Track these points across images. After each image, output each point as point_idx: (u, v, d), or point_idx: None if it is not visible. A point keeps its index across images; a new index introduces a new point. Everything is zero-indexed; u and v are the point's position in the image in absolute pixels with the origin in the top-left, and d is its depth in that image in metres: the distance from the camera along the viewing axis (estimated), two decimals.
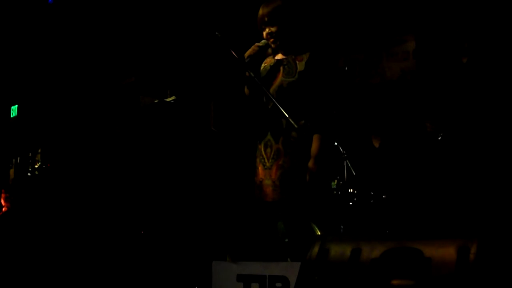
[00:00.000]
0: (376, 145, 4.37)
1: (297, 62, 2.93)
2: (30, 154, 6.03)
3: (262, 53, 2.95)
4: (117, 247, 4.21)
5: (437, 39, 4.44)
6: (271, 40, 2.93)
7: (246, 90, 3.02)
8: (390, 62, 5.20)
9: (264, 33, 2.95)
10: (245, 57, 2.90)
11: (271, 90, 2.91)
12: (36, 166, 5.76)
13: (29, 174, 5.82)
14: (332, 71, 3.04)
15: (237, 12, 5.20)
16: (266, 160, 2.94)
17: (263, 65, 3.03)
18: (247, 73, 2.89)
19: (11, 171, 6.43)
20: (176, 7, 5.69)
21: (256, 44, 2.94)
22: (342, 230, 3.93)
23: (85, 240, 4.37)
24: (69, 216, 4.66)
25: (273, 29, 2.91)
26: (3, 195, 5.96)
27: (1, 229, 5.17)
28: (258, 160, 3.00)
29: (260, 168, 2.97)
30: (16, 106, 7.42)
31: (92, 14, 6.17)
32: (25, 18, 6.54)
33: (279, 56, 3.02)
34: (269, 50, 3.02)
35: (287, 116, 2.67)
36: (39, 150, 5.96)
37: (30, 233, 4.63)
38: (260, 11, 2.94)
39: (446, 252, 1.75)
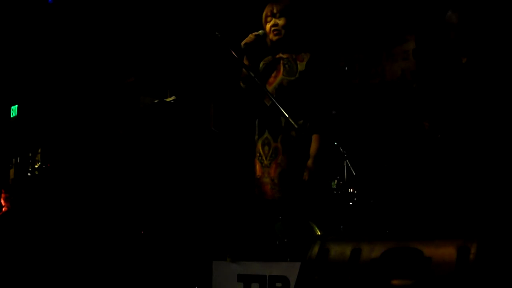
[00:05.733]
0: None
1: (298, 62, 2.94)
2: (30, 154, 6.03)
3: (258, 42, 2.95)
4: (117, 247, 4.21)
5: (437, 39, 4.45)
6: (275, 32, 2.94)
7: (241, 83, 3.03)
8: (390, 62, 5.19)
9: (268, 25, 2.96)
10: (242, 45, 2.91)
11: (271, 88, 2.92)
12: (36, 166, 5.76)
13: (29, 174, 5.81)
14: (332, 73, 3.05)
15: (237, 12, 5.20)
16: (264, 158, 2.94)
17: (262, 62, 3.05)
18: (244, 71, 2.90)
19: (11, 171, 6.43)
20: (176, 7, 5.69)
21: (253, 33, 2.95)
22: (342, 230, 3.93)
23: (85, 240, 4.37)
24: (69, 216, 4.66)
25: (278, 21, 2.92)
26: (3, 195, 5.95)
27: (1, 229, 5.17)
28: (256, 157, 3.00)
29: (257, 165, 2.97)
30: (16, 106, 7.42)
31: (92, 14, 6.17)
32: (25, 18, 6.54)
33: (278, 56, 3.03)
34: (269, 43, 3.01)
35: (287, 115, 2.67)
36: (39, 150, 5.96)
37: (30, 233, 4.63)
38: (269, 4, 2.97)
39: (446, 252, 1.75)
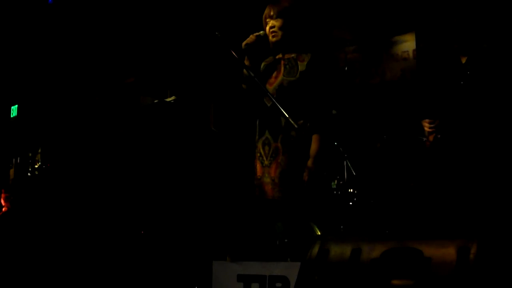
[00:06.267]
0: (378, 145, 4.38)
1: (298, 62, 2.95)
2: (30, 154, 6.04)
3: (260, 43, 2.96)
4: (117, 247, 4.21)
5: (437, 39, 4.45)
6: (272, 34, 2.95)
7: (243, 85, 3.05)
8: (390, 62, 5.20)
9: (267, 27, 2.98)
10: (243, 45, 2.93)
11: (271, 88, 2.93)
12: (36, 166, 5.76)
13: (29, 174, 5.82)
14: (333, 73, 3.05)
15: (237, 12, 5.21)
16: (264, 158, 2.95)
17: (263, 63, 3.06)
18: (245, 72, 2.91)
19: (11, 171, 6.43)
20: (176, 7, 5.69)
21: (254, 33, 2.97)
22: (342, 230, 3.93)
23: (85, 240, 4.37)
24: (69, 216, 4.66)
25: (275, 23, 2.94)
26: (3, 195, 5.95)
27: (1, 229, 5.17)
28: (256, 157, 3.01)
29: (258, 165, 2.98)
30: (16, 106, 7.42)
31: (92, 14, 6.17)
32: (25, 18, 6.54)
33: (279, 57, 3.04)
34: (270, 44, 3.03)
35: (287, 116, 2.68)
36: (39, 150, 5.96)
37: (30, 233, 4.63)
38: (267, 6, 2.99)
39: (446, 252, 1.75)
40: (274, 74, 2.99)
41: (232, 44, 2.83)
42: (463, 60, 3.22)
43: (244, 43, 2.94)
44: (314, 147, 2.85)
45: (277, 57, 3.03)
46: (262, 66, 3.06)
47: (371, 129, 4.49)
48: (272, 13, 2.95)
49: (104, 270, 4.04)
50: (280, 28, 2.94)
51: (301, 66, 2.93)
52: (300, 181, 2.82)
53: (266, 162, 2.94)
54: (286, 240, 3.09)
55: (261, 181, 2.95)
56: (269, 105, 2.94)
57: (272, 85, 2.96)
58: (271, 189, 2.90)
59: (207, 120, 5.52)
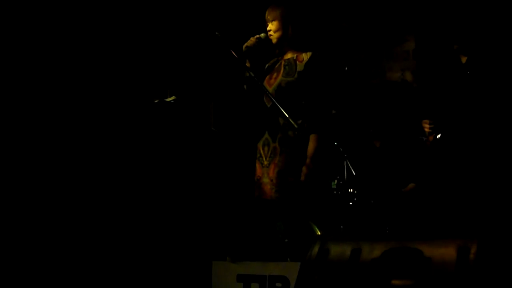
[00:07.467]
0: (377, 145, 4.38)
1: (297, 62, 2.96)
2: None
3: (261, 45, 2.99)
4: (117, 247, 4.21)
5: (437, 39, 4.45)
6: (270, 37, 2.99)
7: (245, 85, 3.08)
8: (390, 62, 5.19)
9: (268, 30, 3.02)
10: (243, 48, 2.95)
11: (271, 89, 2.95)
12: None
13: None
14: (332, 73, 3.07)
15: (237, 12, 5.21)
16: (264, 159, 2.97)
17: (267, 65, 3.10)
18: (246, 73, 2.93)
19: None
20: (176, 7, 5.69)
21: (256, 36, 2.99)
22: (342, 230, 3.93)
23: (85, 240, 4.37)
24: (69, 216, 4.66)
25: (271, 26, 2.97)
26: None
27: (1, 229, 5.17)
28: (256, 158, 3.03)
29: (258, 166, 3.00)
30: None
31: (92, 14, 6.17)
32: (24, 18, 6.53)
33: (280, 58, 3.07)
34: (276, 51, 3.06)
35: (287, 116, 2.68)
36: None
37: (30, 233, 4.63)
38: (267, 10, 3.02)
39: (446, 252, 1.75)
40: (274, 75, 3.01)
41: (232, 44, 2.84)
42: (463, 60, 3.22)
43: (244, 45, 2.96)
44: (311, 147, 2.87)
45: (278, 58, 3.06)
46: (265, 68, 3.09)
47: (371, 128, 4.48)
48: (269, 17, 2.99)
49: (104, 270, 4.04)
50: (275, 31, 2.97)
51: (300, 66, 2.94)
52: (297, 182, 2.83)
53: (265, 163, 2.96)
54: (286, 240, 3.10)
55: (261, 182, 2.96)
56: (268, 105, 2.95)
57: (271, 86, 2.97)
58: (269, 190, 2.91)
59: (207, 120, 5.52)
